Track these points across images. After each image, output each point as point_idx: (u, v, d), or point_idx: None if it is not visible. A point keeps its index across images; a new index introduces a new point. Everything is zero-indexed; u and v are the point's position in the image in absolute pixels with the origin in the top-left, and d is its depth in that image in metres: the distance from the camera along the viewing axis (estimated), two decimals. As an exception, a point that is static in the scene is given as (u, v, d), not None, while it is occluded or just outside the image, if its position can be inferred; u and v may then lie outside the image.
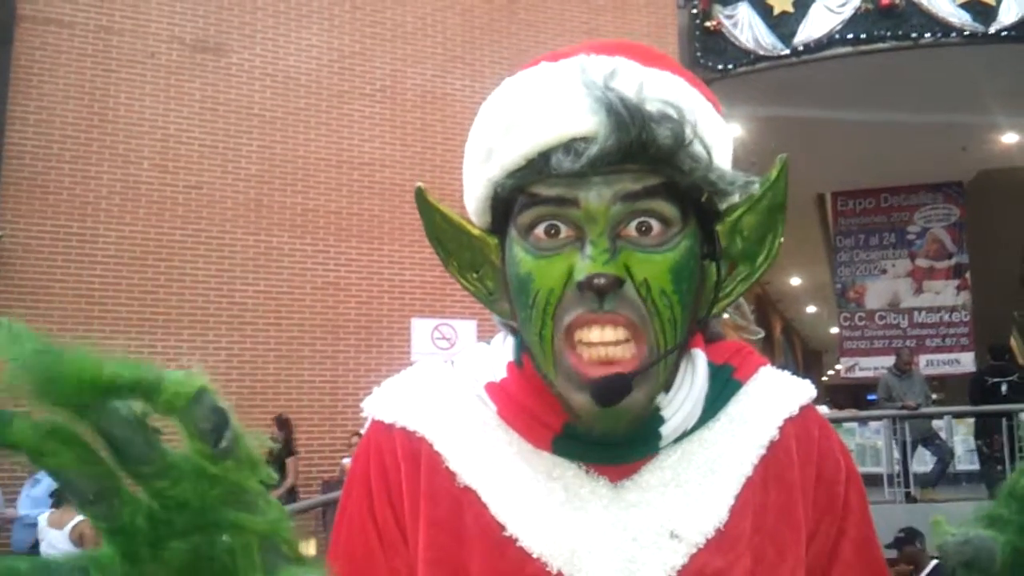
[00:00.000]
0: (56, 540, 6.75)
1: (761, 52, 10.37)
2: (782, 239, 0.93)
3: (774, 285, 20.71)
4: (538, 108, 0.85)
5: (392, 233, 10.64)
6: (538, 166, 0.84)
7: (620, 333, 0.84)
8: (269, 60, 10.49)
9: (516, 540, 0.87)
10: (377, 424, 0.97)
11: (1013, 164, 12.72)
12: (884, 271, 13.71)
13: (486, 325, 9.75)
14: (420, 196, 0.97)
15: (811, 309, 23.88)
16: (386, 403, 0.98)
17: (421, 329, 10.47)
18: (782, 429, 0.96)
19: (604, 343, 0.84)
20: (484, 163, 0.90)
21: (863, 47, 10.10)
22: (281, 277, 10.30)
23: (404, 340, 10.44)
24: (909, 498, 9.62)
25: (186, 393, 0.49)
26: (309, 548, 8.25)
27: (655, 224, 0.85)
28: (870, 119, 10.62)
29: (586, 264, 0.82)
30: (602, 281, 0.81)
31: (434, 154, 10.66)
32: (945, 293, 13.34)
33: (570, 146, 0.82)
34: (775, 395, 0.99)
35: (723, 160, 0.89)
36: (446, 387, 0.98)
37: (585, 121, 0.82)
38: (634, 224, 0.84)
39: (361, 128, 10.79)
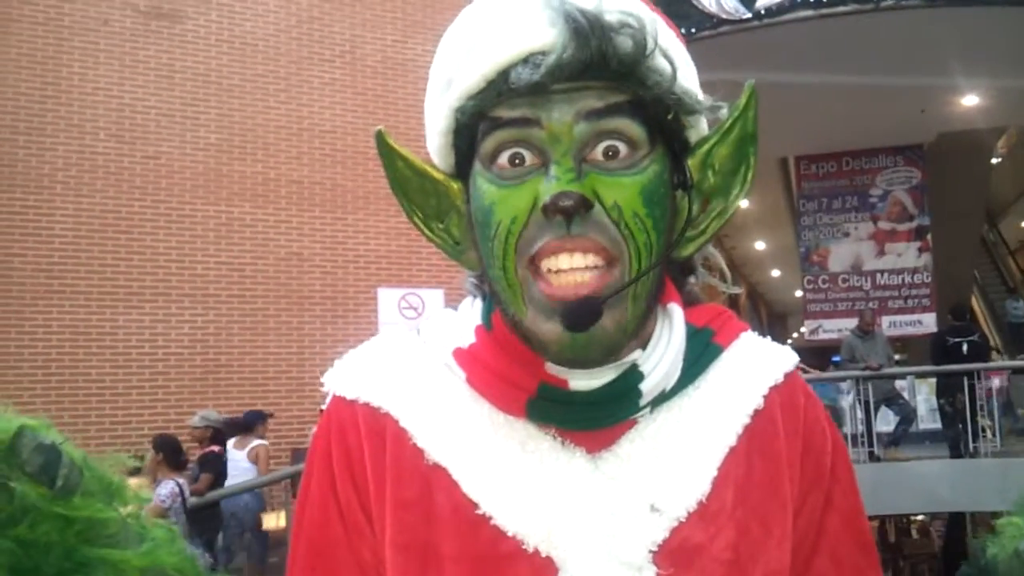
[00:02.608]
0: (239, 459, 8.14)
1: (724, 16, 10.33)
2: (754, 171, 0.89)
3: (739, 250, 20.85)
4: (496, 27, 0.82)
5: (356, 202, 10.53)
6: (498, 86, 0.81)
7: (591, 259, 0.80)
8: (226, 26, 10.29)
9: (490, 518, 0.84)
10: (338, 400, 0.93)
11: (973, 126, 12.83)
12: (847, 234, 13.81)
13: (454, 294, 9.71)
14: (381, 140, 0.92)
15: (776, 273, 24.07)
16: (347, 377, 0.93)
17: (387, 299, 10.41)
18: (767, 398, 0.92)
19: (574, 269, 0.80)
20: (444, 92, 0.86)
21: (824, 10, 10.09)
22: (243, 248, 10.18)
23: (370, 310, 10.38)
24: (873, 457, 9.78)
25: (2, 439, 0.44)
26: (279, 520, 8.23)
27: (622, 147, 0.81)
28: (832, 82, 10.65)
29: (551, 185, 0.78)
30: (568, 202, 0.77)
31: (397, 121, 10.52)
32: (907, 255, 13.48)
33: (529, 60, 0.79)
34: (758, 362, 0.95)
35: (687, 79, 0.86)
36: (411, 358, 0.94)
37: (543, 34, 0.79)
38: (600, 148, 0.81)
39: (321, 95, 10.64)
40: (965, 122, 12.67)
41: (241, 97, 10.30)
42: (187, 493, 6.60)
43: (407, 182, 0.93)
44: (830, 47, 10.42)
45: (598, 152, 0.81)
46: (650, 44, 0.79)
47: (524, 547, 0.83)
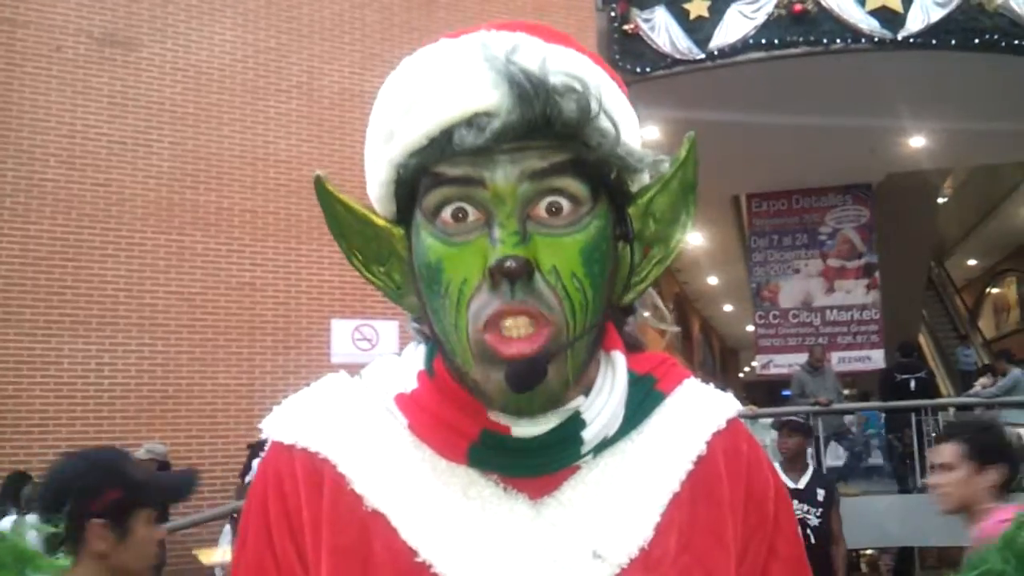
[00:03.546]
0: None
1: (678, 56, 10.48)
2: (693, 219, 0.90)
3: (692, 285, 21.04)
4: (439, 85, 0.82)
5: (310, 232, 10.46)
6: (441, 144, 0.80)
7: (531, 325, 0.80)
8: (181, 55, 10.22)
9: (430, 566, 0.82)
10: (276, 446, 0.91)
11: (919, 167, 13.11)
12: (797, 271, 14.00)
13: (408, 326, 9.67)
14: (320, 186, 0.91)
15: (728, 308, 24.30)
16: (286, 423, 0.92)
17: (341, 330, 10.32)
18: (709, 444, 0.92)
19: (516, 328, 0.80)
20: (385, 144, 0.86)
21: (776, 52, 10.29)
22: (194, 277, 10.05)
23: (323, 341, 10.28)
24: (822, 492, 9.84)
25: None
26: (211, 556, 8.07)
27: (565, 204, 0.82)
28: (783, 122, 10.83)
29: (496, 249, 0.78)
30: (512, 265, 0.77)
31: (352, 152, 10.50)
32: (856, 292, 13.68)
33: (472, 121, 0.79)
34: (700, 408, 0.96)
35: (631, 138, 0.87)
36: (352, 402, 0.92)
37: (487, 95, 0.79)
38: (543, 204, 0.81)
39: (277, 125, 10.59)
40: (913, 163, 12.95)
41: (195, 126, 10.22)
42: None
43: (347, 226, 0.93)
44: (782, 88, 10.62)
45: (541, 209, 0.81)
46: (594, 107, 0.80)
47: None
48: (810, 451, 9.52)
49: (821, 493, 5.78)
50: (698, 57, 10.46)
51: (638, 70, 10.24)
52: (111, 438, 9.23)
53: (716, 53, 10.44)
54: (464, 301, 0.81)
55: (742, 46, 10.37)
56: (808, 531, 5.40)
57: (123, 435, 9.22)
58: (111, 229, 9.70)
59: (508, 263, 0.77)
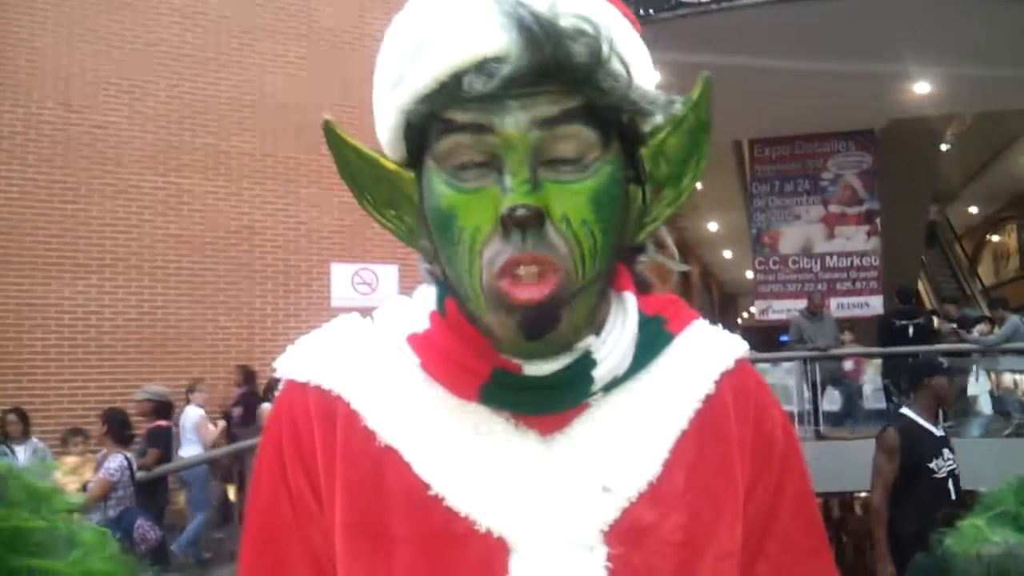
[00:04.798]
0: None
1: (682, -3, 10.36)
2: (706, 160, 0.90)
3: (692, 230, 21.00)
4: (447, 28, 0.80)
5: (309, 175, 10.43)
6: (450, 89, 0.79)
7: (542, 273, 0.81)
8: (178, -6, 10.10)
9: (442, 499, 0.84)
10: (290, 384, 0.92)
11: (923, 113, 13.01)
12: (798, 217, 13.95)
13: (408, 270, 9.68)
14: (329, 131, 0.90)
15: (728, 254, 24.32)
16: (299, 361, 0.93)
17: (341, 274, 10.34)
18: (718, 383, 0.94)
19: (529, 275, 0.80)
20: (394, 89, 0.85)
21: (782, -6, 10.15)
22: (193, 220, 10.04)
23: (323, 285, 10.31)
24: (819, 436, 9.96)
25: None
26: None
27: (576, 149, 0.81)
28: (787, 67, 10.73)
29: (507, 197, 0.78)
30: (523, 212, 0.77)
31: (351, 94, 10.42)
32: (856, 238, 13.65)
33: (482, 66, 0.77)
34: (709, 348, 0.97)
35: (643, 79, 0.86)
36: (364, 342, 0.93)
37: (496, 39, 0.77)
38: (554, 150, 0.81)
39: (275, 66, 10.50)
40: (916, 109, 12.84)
41: (192, 68, 10.13)
42: (135, 467, 6.63)
43: (357, 171, 0.92)
44: (786, 32, 10.50)
45: (552, 154, 0.81)
46: (605, 51, 0.79)
47: (476, 528, 0.83)
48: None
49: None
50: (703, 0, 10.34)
51: (641, 12, 10.12)
52: (111, 380, 9.31)
53: (720, -5, 10.31)
54: (477, 249, 0.81)
55: (747, -12, 10.23)
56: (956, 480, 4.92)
57: (124, 377, 9.29)
58: (109, 172, 9.66)
59: (519, 211, 0.77)
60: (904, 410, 5.18)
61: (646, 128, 0.88)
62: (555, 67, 0.77)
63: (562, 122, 0.80)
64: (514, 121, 0.79)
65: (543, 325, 0.80)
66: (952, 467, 4.83)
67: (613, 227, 0.84)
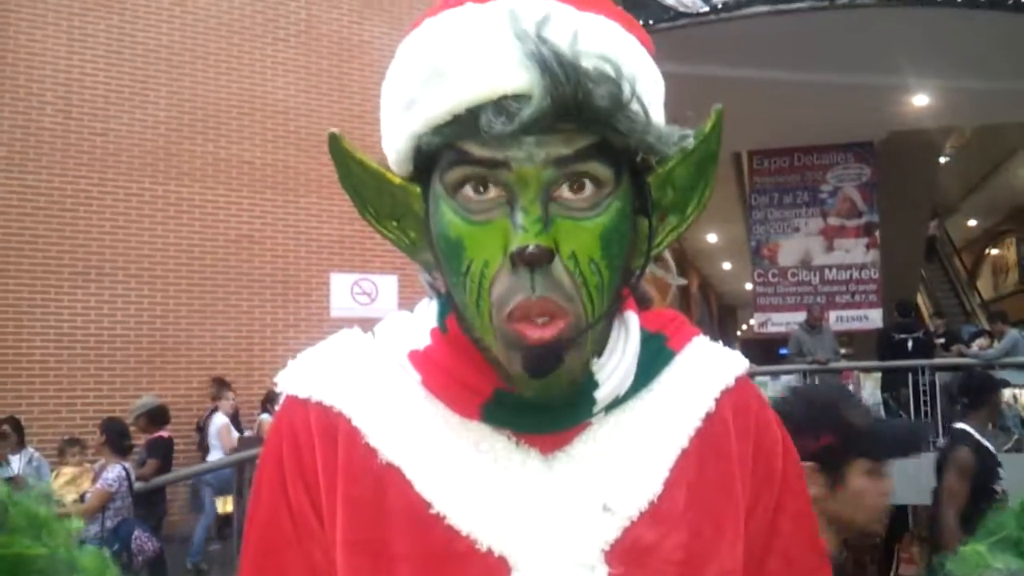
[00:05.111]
0: None
1: (681, 9, 10.38)
2: (712, 189, 0.90)
3: (691, 242, 21.01)
4: (465, 57, 0.79)
5: (308, 184, 10.43)
6: (465, 122, 0.79)
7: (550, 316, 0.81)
8: (177, 1, 10.11)
9: (444, 517, 0.83)
10: (291, 400, 0.92)
11: (923, 126, 13.03)
12: (797, 229, 13.96)
13: (408, 280, 9.66)
14: (335, 143, 0.89)
15: (727, 266, 24.31)
16: (300, 377, 0.93)
17: (340, 284, 10.33)
18: (718, 401, 0.94)
19: (540, 317, 0.80)
20: (405, 112, 0.84)
21: (781, 6, 10.16)
22: (192, 229, 10.03)
23: (323, 295, 10.29)
24: (818, 449, 9.91)
25: None
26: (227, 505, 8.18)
27: (588, 187, 0.81)
28: (786, 79, 10.75)
29: (518, 236, 0.78)
30: (534, 251, 0.77)
31: (351, 103, 10.44)
32: (855, 251, 13.66)
33: (501, 105, 0.76)
34: (710, 366, 0.97)
35: (658, 114, 0.85)
36: (365, 358, 0.93)
37: (517, 77, 0.76)
38: (566, 186, 0.80)
39: (275, 74, 10.51)
40: (915, 121, 12.86)
41: (192, 75, 10.13)
42: (133, 477, 6.62)
43: (360, 182, 0.91)
44: (785, 43, 10.52)
45: (563, 191, 0.81)
46: (626, 95, 0.78)
47: (477, 546, 0.83)
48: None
49: None
50: (702, 10, 10.36)
51: (641, 22, 10.10)
52: (110, 389, 9.29)
53: (720, 7, 10.34)
54: (486, 284, 0.81)
55: (746, 0, 10.25)
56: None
57: (122, 386, 9.27)
58: (108, 179, 9.66)
59: (530, 250, 0.77)
60: (964, 426, 4.85)
61: (655, 158, 0.88)
62: (575, 109, 0.76)
63: (577, 160, 0.80)
64: (529, 158, 0.78)
65: (547, 364, 0.80)
66: (1004, 486, 4.62)
67: (620, 264, 0.85)
